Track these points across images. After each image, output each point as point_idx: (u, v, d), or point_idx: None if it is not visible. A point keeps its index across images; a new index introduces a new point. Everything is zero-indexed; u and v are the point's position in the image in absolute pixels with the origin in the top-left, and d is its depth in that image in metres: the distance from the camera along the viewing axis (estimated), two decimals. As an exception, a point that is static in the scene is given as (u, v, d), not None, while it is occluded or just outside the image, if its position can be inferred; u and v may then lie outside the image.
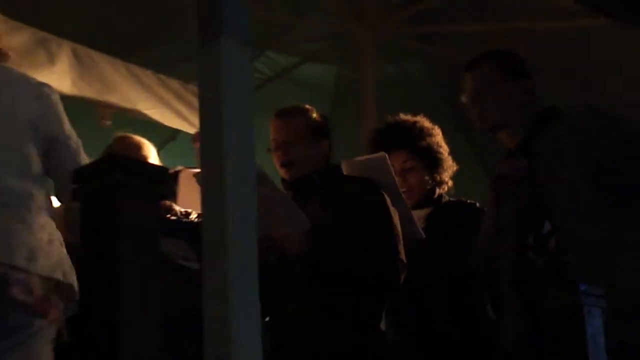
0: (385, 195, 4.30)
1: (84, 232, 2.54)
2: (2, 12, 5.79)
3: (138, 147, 4.87)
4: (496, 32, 7.50)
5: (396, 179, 4.49)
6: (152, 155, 4.88)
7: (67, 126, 3.69)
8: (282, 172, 4.29)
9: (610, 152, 4.20)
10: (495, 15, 7.78)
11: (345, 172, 4.52)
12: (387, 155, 4.47)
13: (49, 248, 3.49)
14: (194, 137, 5.61)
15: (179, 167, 4.97)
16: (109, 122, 6.50)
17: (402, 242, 4.23)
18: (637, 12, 4.53)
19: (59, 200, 3.93)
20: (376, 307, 4.35)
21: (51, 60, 6.28)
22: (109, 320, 2.43)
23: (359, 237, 4.19)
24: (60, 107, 3.74)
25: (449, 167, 4.82)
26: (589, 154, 4.12)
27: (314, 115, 4.41)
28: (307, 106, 4.51)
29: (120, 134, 5.11)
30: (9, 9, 6.00)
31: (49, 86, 3.79)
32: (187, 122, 7.17)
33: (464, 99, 4.36)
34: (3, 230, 3.44)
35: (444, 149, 4.82)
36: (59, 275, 3.45)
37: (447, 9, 7.97)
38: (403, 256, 4.19)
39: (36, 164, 3.59)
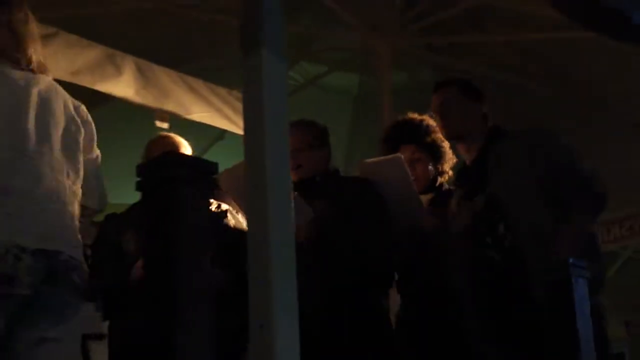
0: (379, 193, 4.72)
1: (148, 217, 2.85)
2: (77, 33, 6.39)
3: (177, 146, 5.05)
4: (492, 43, 7.81)
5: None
6: (188, 152, 5.07)
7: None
8: (292, 175, 4.38)
9: (545, 163, 4.58)
10: (492, 29, 8.04)
11: (360, 171, 4.90)
12: (402, 156, 4.81)
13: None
14: None
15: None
16: (166, 124, 6.75)
17: (394, 230, 4.66)
18: (614, 25, 4.14)
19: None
20: (376, 288, 4.75)
21: (118, 72, 6.53)
22: (167, 285, 2.61)
23: (356, 227, 4.53)
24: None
25: (450, 159, 5.10)
26: (531, 166, 4.55)
27: (318, 127, 4.81)
28: (312, 120, 4.92)
29: (161, 133, 5.52)
30: (83, 29, 6.52)
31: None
32: (232, 124, 7.46)
33: (432, 113, 4.89)
34: (63, 226, 3.66)
35: (446, 144, 5.06)
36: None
37: (452, 22, 8.05)
38: (393, 242, 4.62)
39: (82, 170, 3.86)
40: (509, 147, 4.69)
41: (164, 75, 7.05)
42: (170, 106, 6.97)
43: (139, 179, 2.75)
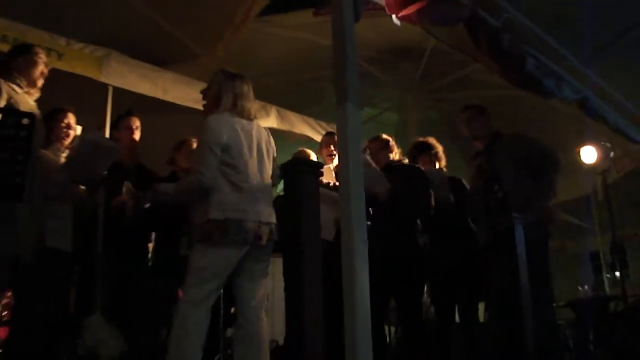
0: (423, 173, 5.33)
1: (287, 190, 4.04)
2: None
3: (308, 154, 5.80)
4: (475, 97, 7.59)
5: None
6: (314, 157, 5.72)
7: None
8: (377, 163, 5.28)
9: (524, 152, 5.10)
10: (475, 86, 8.37)
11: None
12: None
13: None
14: (321, 143, 6.16)
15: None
16: (292, 142, 7.56)
17: (433, 195, 5.20)
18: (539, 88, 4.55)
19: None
20: (416, 226, 5.32)
21: (267, 114, 7.48)
22: (298, 225, 3.71)
23: (412, 192, 5.19)
24: None
25: (444, 161, 5.86)
26: (514, 149, 5.13)
27: (382, 139, 5.57)
28: (377, 136, 5.63)
29: (300, 148, 6.13)
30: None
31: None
32: None
33: (460, 122, 5.46)
34: (267, 205, 4.07)
35: (442, 153, 5.86)
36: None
37: (447, 86, 8.71)
38: (433, 200, 5.17)
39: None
40: (504, 144, 5.22)
41: (291, 115, 7.86)
42: (294, 131, 7.84)
43: (284, 170, 4.06)
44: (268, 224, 3.96)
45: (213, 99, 4.15)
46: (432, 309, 5.64)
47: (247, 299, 3.97)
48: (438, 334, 5.37)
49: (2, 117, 2.91)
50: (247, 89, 4.18)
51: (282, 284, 4.23)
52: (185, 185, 4.08)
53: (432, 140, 5.86)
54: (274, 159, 4.24)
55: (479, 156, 5.33)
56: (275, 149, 4.28)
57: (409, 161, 5.72)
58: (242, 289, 3.98)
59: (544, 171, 4.99)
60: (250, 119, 4.14)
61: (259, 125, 4.22)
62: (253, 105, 4.22)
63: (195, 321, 3.71)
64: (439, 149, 5.81)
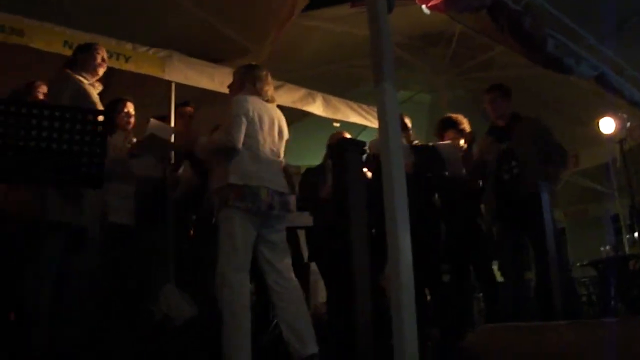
0: (440, 152, 5.41)
1: (335, 167, 4.05)
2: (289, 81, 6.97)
3: (345, 136, 5.77)
4: (501, 77, 7.09)
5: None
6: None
7: None
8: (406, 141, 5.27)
9: (537, 132, 5.12)
10: (500, 66, 8.33)
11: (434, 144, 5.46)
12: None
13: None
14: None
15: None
16: (338, 124, 7.59)
17: (464, 168, 5.40)
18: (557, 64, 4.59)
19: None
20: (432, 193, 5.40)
21: (313, 101, 7.43)
22: (345, 197, 3.59)
23: (433, 165, 5.34)
24: None
25: (470, 132, 5.82)
26: (531, 133, 5.12)
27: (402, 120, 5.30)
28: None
29: (337, 131, 6.30)
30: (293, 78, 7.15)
31: None
32: (367, 122, 8.03)
33: (485, 101, 5.43)
34: (280, 177, 4.15)
35: (469, 126, 5.83)
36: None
37: (474, 66, 8.52)
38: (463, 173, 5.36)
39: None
40: (524, 126, 5.20)
41: (336, 101, 7.78)
42: (339, 116, 7.74)
43: (331, 150, 4.33)
44: (281, 194, 4.01)
45: (238, 86, 4.27)
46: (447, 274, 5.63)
47: (276, 268, 4.01)
48: (457, 294, 5.37)
49: (83, 115, 3.00)
50: (265, 75, 4.28)
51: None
52: (213, 142, 4.09)
53: (457, 116, 5.82)
54: (285, 140, 4.32)
55: (494, 133, 5.30)
56: (287, 130, 4.34)
57: (437, 136, 5.76)
58: (265, 259, 4.01)
59: (553, 161, 4.99)
60: (269, 100, 4.22)
61: (278, 110, 4.30)
62: (271, 88, 4.28)
63: (240, 283, 3.76)
64: (465, 124, 5.76)
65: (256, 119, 4.01)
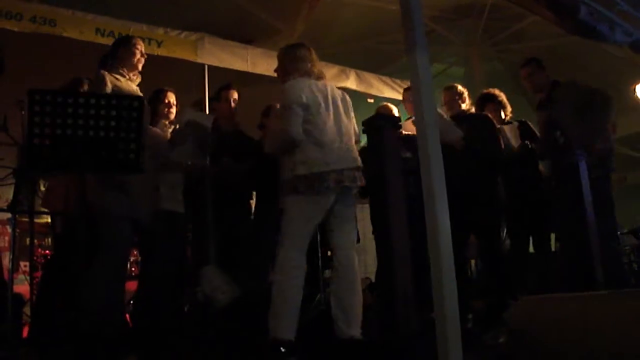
0: (491, 121, 5.31)
1: (370, 140, 4.05)
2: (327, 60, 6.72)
3: (390, 109, 5.60)
4: (534, 48, 7.78)
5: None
6: (395, 111, 5.53)
7: None
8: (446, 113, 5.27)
9: (577, 94, 4.89)
10: (532, 37, 8.34)
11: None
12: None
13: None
14: (403, 99, 6.19)
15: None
16: (372, 100, 7.55)
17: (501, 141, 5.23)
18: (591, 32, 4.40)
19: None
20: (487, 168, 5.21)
21: (346, 77, 7.42)
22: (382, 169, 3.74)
23: (480, 137, 5.16)
24: None
25: (509, 108, 5.79)
26: (573, 99, 4.87)
27: (455, 89, 5.46)
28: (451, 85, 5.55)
29: (382, 103, 5.98)
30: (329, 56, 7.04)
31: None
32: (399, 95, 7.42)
33: (522, 77, 5.39)
34: (348, 153, 4.00)
35: (506, 101, 5.80)
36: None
37: (507, 39, 8.59)
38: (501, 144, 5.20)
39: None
40: (560, 92, 5.09)
41: (370, 77, 7.80)
42: (373, 91, 7.71)
43: (366, 126, 4.06)
44: (351, 169, 3.93)
45: (283, 70, 4.15)
46: (508, 242, 5.56)
47: (338, 242, 3.97)
48: (515, 264, 5.31)
49: (117, 102, 3.01)
50: (309, 53, 4.14)
51: (371, 228, 4.29)
52: (275, 140, 4.08)
53: (496, 91, 5.79)
54: (352, 117, 4.20)
55: (542, 107, 5.26)
56: (352, 107, 4.24)
57: (477, 110, 5.64)
58: (333, 233, 3.97)
59: (596, 110, 4.75)
60: (319, 78, 4.10)
61: (332, 85, 4.19)
62: (317, 64, 4.15)
63: (294, 264, 3.74)
64: (503, 97, 5.73)
65: (311, 103, 3.89)
